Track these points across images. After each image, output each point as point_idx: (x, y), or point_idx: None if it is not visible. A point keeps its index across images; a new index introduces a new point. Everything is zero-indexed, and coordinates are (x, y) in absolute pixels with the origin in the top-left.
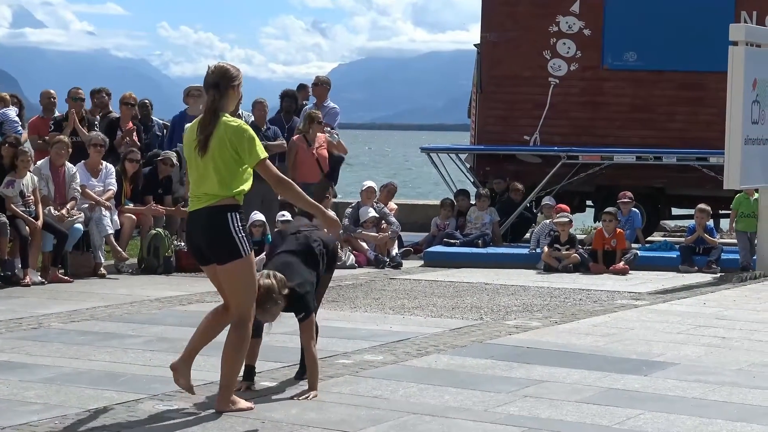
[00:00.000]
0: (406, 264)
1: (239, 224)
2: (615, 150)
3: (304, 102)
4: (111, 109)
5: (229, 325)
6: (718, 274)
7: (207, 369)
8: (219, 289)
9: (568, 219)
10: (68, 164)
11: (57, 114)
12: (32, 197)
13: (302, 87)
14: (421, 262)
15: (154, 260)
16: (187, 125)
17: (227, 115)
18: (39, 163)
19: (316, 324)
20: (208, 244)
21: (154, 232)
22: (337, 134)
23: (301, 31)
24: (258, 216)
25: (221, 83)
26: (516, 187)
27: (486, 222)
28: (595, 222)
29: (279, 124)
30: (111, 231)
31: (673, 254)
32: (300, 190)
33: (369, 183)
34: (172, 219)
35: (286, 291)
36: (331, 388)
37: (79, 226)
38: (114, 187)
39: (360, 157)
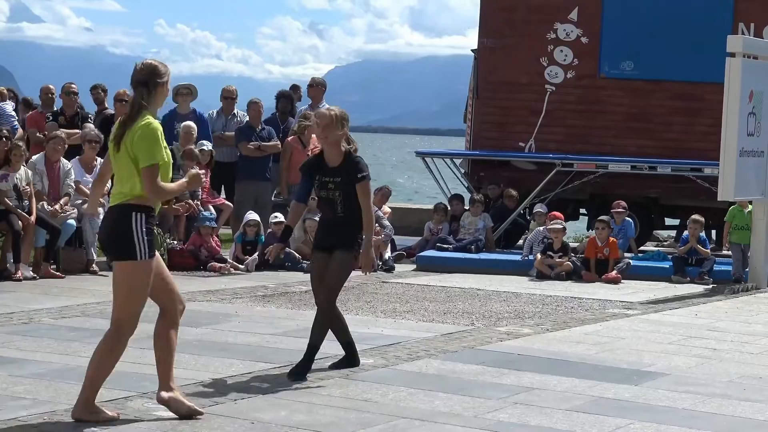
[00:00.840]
0: (399, 268)
1: (143, 226)
2: (610, 159)
3: (298, 103)
4: (107, 105)
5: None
6: (711, 286)
7: (196, 368)
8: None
9: (561, 226)
10: (63, 160)
11: (54, 109)
12: (28, 190)
13: (295, 88)
14: (414, 267)
15: None
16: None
17: (151, 115)
18: (34, 157)
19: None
20: (108, 241)
21: None
22: None
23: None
24: (252, 216)
25: (150, 81)
26: (510, 194)
27: (479, 228)
28: (588, 230)
29: (274, 125)
30: None
31: (666, 264)
32: (172, 187)
33: None
34: (165, 217)
35: (345, 127)
36: (321, 391)
37: (72, 222)
38: (108, 184)
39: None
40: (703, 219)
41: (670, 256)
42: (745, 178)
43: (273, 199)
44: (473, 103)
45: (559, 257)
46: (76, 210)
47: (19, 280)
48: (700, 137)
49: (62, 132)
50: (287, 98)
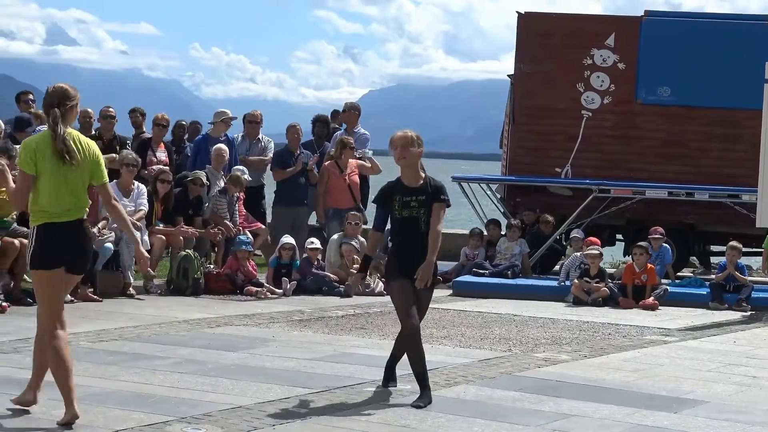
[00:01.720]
0: (435, 293)
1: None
2: (647, 185)
3: (336, 127)
4: (144, 129)
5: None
6: (749, 313)
7: (235, 393)
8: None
9: (598, 252)
10: None
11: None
12: None
13: (336, 113)
14: (450, 292)
15: (183, 281)
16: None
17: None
18: None
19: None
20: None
21: (183, 253)
22: (370, 151)
23: (332, 56)
24: (287, 239)
25: (61, 103)
26: (546, 219)
27: (516, 253)
28: (625, 256)
29: (310, 149)
30: None
31: (703, 291)
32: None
33: None
34: (201, 241)
35: (421, 147)
36: (359, 417)
37: (110, 245)
38: (145, 208)
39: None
40: (741, 245)
41: (707, 283)
42: None
43: (309, 224)
44: (509, 129)
45: (596, 283)
46: (113, 233)
47: None
48: (736, 164)
49: None
50: (323, 123)
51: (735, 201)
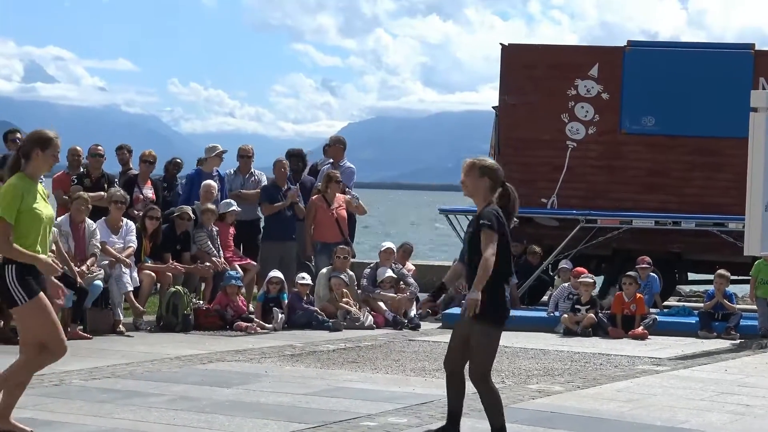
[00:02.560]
0: (424, 325)
1: (14, 276)
2: (634, 214)
3: (329, 162)
4: (131, 165)
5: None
6: (738, 341)
7: (231, 429)
8: None
9: (591, 280)
10: (88, 220)
11: (81, 170)
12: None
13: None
14: (439, 324)
15: (173, 318)
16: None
17: (27, 176)
18: (59, 219)
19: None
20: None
21: (173, 289)
22: (357, 197)
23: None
24: (275, 273)
25: (32, 150)
26: (533, 251)
27: None
28: (605, 286)
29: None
30: (130, 288)
31: (692, 320)
32: (18, 250)
33: (387, 244)
34: (190, 276)
35: (486, 176)
36: None
37: (99, 282)
38: (134, 244)
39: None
40: (729, 274)
41: (696, 312)
42: None
43: (297, 259)
44: (495, 160)
45: (587, 310)
46: (102, 270)
47: None
48: (721, 192)
49: (85, 194)
50: (297, 157)
51: (721, 229)
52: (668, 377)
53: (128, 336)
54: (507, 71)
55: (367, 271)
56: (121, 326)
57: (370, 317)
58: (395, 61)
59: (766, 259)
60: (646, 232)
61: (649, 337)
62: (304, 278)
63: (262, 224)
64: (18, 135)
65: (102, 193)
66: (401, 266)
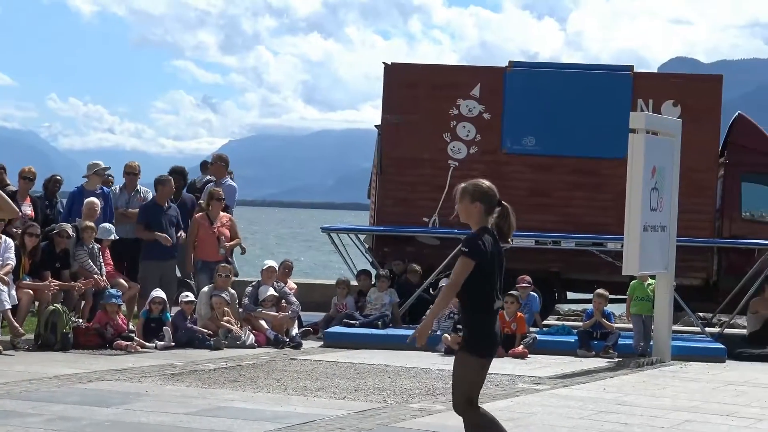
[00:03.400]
0: (306, 344)
1: None
2: (514, 233)
3: (210, 179)
4: (9, 182)
5: None
6: (616, 360)
7: None
8: None
9: None
10: None
11: None
12: None
13: (205, 164)
14: (321, 343)
15: (52, 336)
16: None
17: None
18: None
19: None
20: None
21: (52, 308)
22: (225, 246)
23: (191, 106)
24: (158, 293)
25: None
26: (413, 269)
27: (385, 303)
28: None
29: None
30: (8, 306)
31: (571, 339)
32: None
33: (269, 262)
34: (69, 294)
35: (477, 200)
36: None
37: None
38: (12, 262)
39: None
40: (607, 293)
41: (575, 331)
42: (649, 253)
43: (179, 277)
44: (377, 179)
45: None
46: None
47: None
48: (600, 212)
49: None
50: (179, 174)
51: (600, 249)
52: (548, 396)
53: (6, 355)
54: (389, 90)
55: (248, 289)
56: None
57: (252, 336)
58: (276, 78)
59: (641, 278)
60: (526, 251)
61: (529, 355)
62: (188, 296)
63: None
64: None
65: None
66: (283, 284)
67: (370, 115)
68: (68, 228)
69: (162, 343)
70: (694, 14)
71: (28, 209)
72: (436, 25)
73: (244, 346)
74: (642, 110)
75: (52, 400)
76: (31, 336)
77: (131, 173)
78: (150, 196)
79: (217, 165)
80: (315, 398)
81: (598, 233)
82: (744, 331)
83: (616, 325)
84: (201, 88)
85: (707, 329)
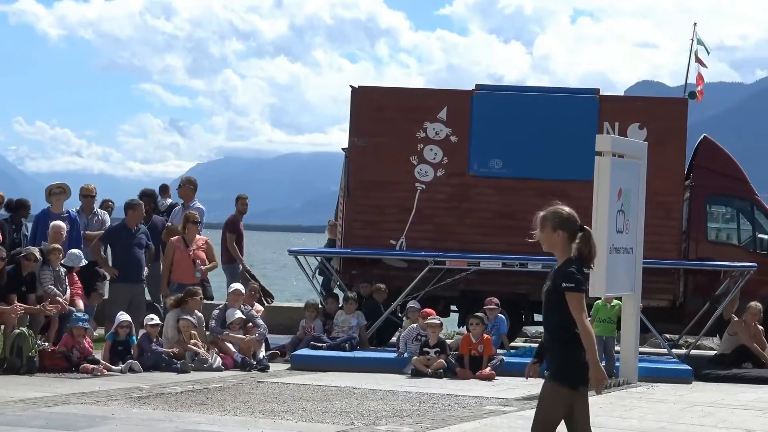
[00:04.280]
0: (273, 367)
1: None
2: (482, 256)
3: (169, 201)
4: None
5: None
6: None
7: None
8: None
9: (438, 321)
10: None
11: None
12: None
13: (165, 187)
14: (288, 365)
15: (17, 360)
16: None
17: None
18: None
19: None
20: None
21: (17, 331)
22: (201, 270)
23: (158, 129)
24: (124, 317)
25: None
26: (379, 288)
27: (353, 325)
28: (459, 327)
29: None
30: None
31: None
32: None
33: (236, 285)
34: (35, 318)
35: (561, 228)
36: None
37: None
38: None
39: None
40: None
41: None
42: (616, 275)
43: (147, 300)
44: (344, 201)
45: (436, 352)
46: None
47: None
48: None
49: None
50: (150, 197)
51: None
52: (515, 417)
53: None
54: (357, 113)
55: (215, 312)
56: None
57: (219, 359)
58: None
59: (606, 300)
60: (493, 274)
61: (496, 377)
62: (153, 319)
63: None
64: None
65: None
66: (250, 307)
67: (337, 138)
68: (35, 251)
69: (134, 364)
70: (659, 38)
71: None
72: (403, 49)
73: (211, 369)
74: (608, 133)
75: (18, 424)
76: None
77: (88, 195)
78: (107, 218)
79: (185, 188)
80: (282, 421)
81: None
82: (711, 353)
83: None
84: (169, 112)
85: (674, 351)
